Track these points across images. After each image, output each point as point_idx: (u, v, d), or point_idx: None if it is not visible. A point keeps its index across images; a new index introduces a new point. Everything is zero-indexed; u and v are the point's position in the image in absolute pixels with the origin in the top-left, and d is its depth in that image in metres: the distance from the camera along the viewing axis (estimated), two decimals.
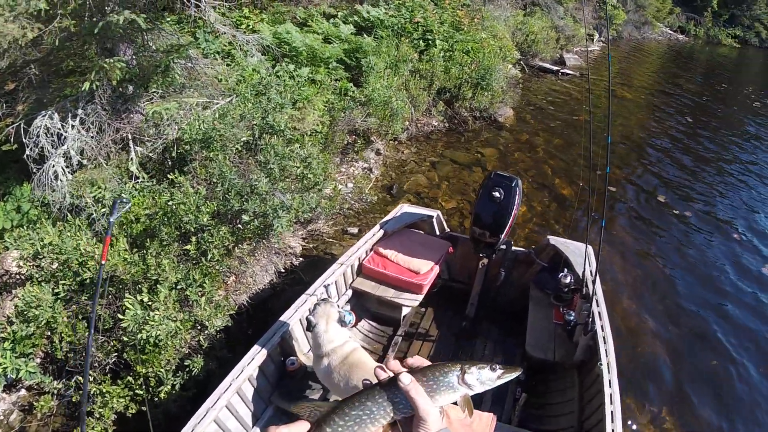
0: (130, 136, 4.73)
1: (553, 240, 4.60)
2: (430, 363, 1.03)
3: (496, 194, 3.96)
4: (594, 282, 4.05)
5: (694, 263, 6.76)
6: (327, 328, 3.08)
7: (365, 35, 8.24)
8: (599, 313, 3.89)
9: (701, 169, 9.99)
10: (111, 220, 2.73)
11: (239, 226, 4.24)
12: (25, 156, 4.18)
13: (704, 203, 8.51)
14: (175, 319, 3.51)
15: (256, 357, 3.19)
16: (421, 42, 8.75)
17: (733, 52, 31.15)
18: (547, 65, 13.33)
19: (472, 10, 10.64)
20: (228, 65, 6.04)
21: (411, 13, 8.97)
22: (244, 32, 6.68)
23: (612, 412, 3.18)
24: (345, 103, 6.71)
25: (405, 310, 4.35)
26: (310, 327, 3.16)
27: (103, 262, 2.75)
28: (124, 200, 2.83)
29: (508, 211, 4.01)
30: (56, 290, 3.60)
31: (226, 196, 4.13)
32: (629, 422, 4.52)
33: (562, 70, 13.28)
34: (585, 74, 13.55)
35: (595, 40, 18.53)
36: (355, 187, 6.45)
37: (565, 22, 15.86)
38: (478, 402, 3.88)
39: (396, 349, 4.23)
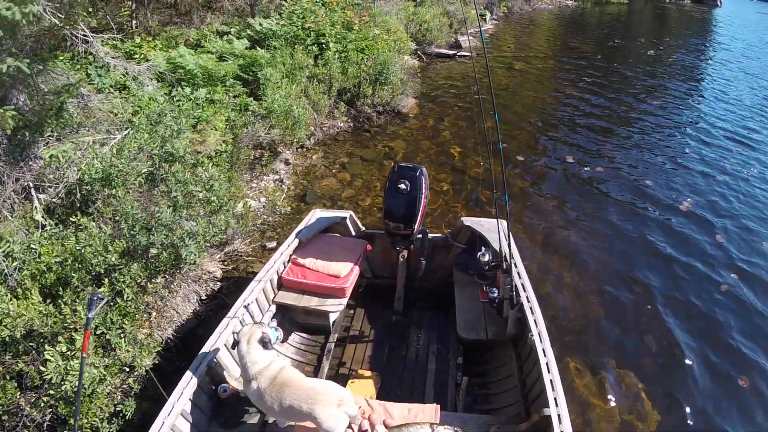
0: (31, 184, 4.53)
1: (468, 221, 4.71)
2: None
3: (402, 186, 4.05)
4: (512, 255, 4.21)
5: (607, 221, 7.30)
6: (249, 350, 3.00)
7: (259, 48, 8.23)
8: (522, 284, 4.03)
9: (606, 125, 10.79)
10: (89, 316, 2.69)
11: (150, 260, 4.19)
12: None
13: (610, 160, 9.21)
14: (97, 365, 3.46)
15: (185, 390, 3.09)
16: (314, 47, 8.83)
17: (622, 9, 33.22)
18: (444, 51, 13.75)
19: (362, 8, 10.82)
20: (124, 98, 5.89)
21: (302, 20, 9.04)
22: (138, 62, 6.54)
23: (551, 380, 3.27)
24: (246, 119, 6.69)
25: (333, 316, 4.33)
26: (235, 348, 3.11)
27: (84, 355, 2.73)
28: (100, 296, 2.79)
29: (417, 200, 4.10)
30: None
31: (131, 231, 4.06)
32: (572, 384, 4.71)
33: (458, 54, 13.73)
34: (481, 54, 14.10)
35: (487, 19, 19.22)
36: (268, 201, 6.45)
37: (456, 7, 16.35)
38: (421, 393, 3.96)
39: (330, 357, 4.21)
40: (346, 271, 4.27)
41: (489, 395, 4.02)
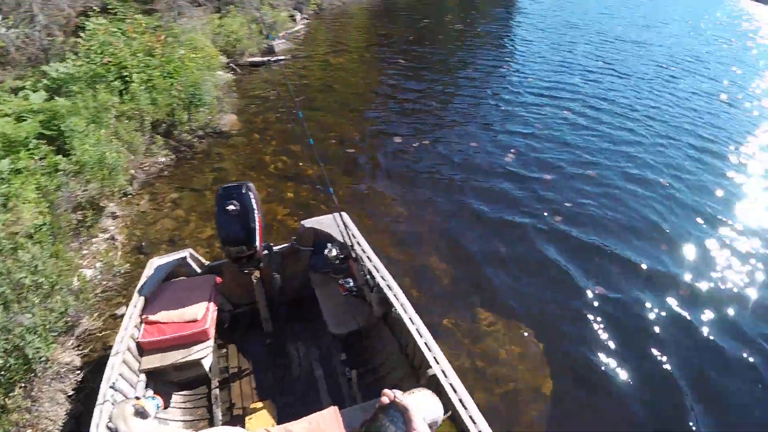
0: None
1: (308, 222, 4.76)
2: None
3: (231, 207, 3.89)
4: (358, 242, 4.37)
5: (438, 193, 7.94)
6: (131, 428, 2.79)
7: (59, 97, 7.39)
8: (374, 266, 4.19)
9: (425, 106, 11.40)
10: None
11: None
12: None
13: (433, 137, 9.84)
14: None
15: None
16: (118, 82, 8.15)
17: None
18: (257, 59, 13.49)
19: (163, 30, 10.20)
20: None
21: (100, 55, 8.30)
22: None
23: (425, 342, 3.52)
24: (59, 180, 6.02)
25: (206, 362, 4.08)
26: None
27: None
28: None
29: (250, 217, 3.96)
30: None
31: None
32: (450, 340, 5.20)
33: (273, 59, 13.58)
34: (296, 57, 14.12)
35: (298, 19, 19.19)
36: (104, 264, 5.90)
37: (263, 12, 16.12)
38: (318, 401, 4.00)
39: (219, 403, 4.05)
40: (202, 312, 4.07)
41: (381, 378, 4.17)
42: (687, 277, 6.42)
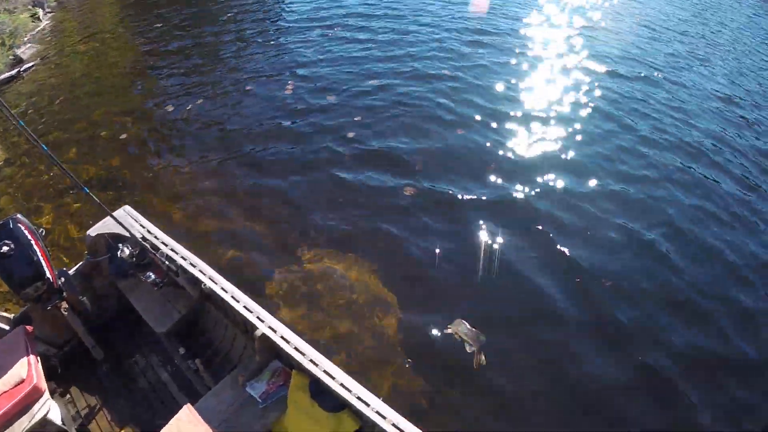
0: None
1: (93, 230, 4.45)
2: None
3: (5, 248, 3.52)
4: (149, 231, 4.23)
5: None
6: None
7: None
8: (172, 249, 4.10)
9: (192, 62, 10.99)
10: None
11: None
12: None
13: (203, 90, 9.62)
14: None
15: None
16: None
17: None
18: (6, 75, 11.93)
19: None
20: None
21: None
22: None
23: (245, 306, 3.56)
24: None
25: (54, 417, 3.84)
26: None
27: None
28: None
29: (30, 251, 3.64)
30: None
31: None
32: (285, 290, 5.40)
33: (22, 69, 12.08)
34: (48, 57, 12.68)
35: (41, 16, 17.00)
36: None
37: (1, 20, 14.06)
38: (175, 405, 3.91)
39: None
40: (25, 371, 3.67)
41: (225, 355, 4.26)
42: (481, 155, 7.34)
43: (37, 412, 3.67)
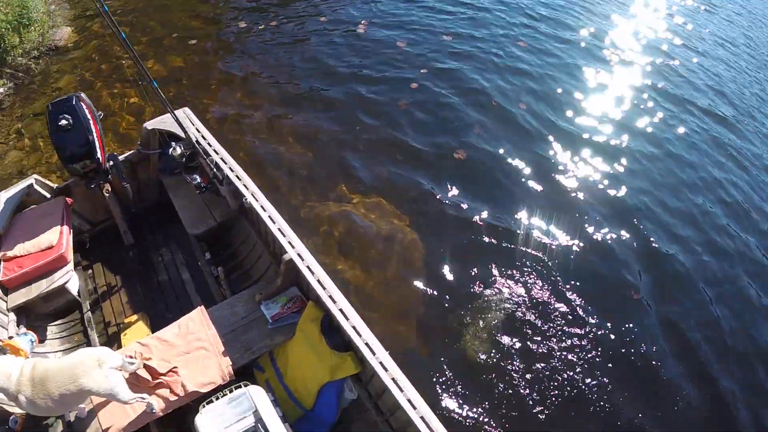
0: None
1: (150, 124, 4.50)
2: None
3: (64, 122, 3.67)
4: (203, 137, 4.25)
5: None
6: None
7: None
8: (222, 158, 4.13)
9: None
10: None
11: None
12: None
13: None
14: None
15: None
16: None
17: None
18: None
19: None
20: None
21: None
22: None
23: (279, 228, 3.59)
24: None
25: (72, 287, 4.01)
26: None
27: None
28: None
29: (87, 129, 3.75)
30: None
31: None
32: (312, 222, 5.42)
33: None
34: None
35: None
36: None
37: None
38: (189, 304, 4.09)
39: (93, 325, 4.03)
40: (56, 238, 3.91)
41: (247, 271, 4.32)
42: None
43: (57, 280, 3.86)
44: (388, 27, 9.00)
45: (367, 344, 3.03)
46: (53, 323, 4.11)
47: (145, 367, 3.15)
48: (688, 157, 7.54)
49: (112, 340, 3.94)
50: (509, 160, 6.68)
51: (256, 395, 2.89)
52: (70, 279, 3.94)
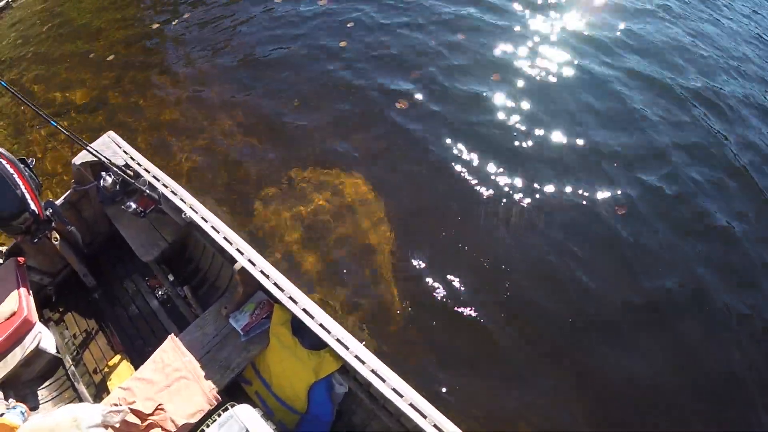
0: None
1: (77, 159, 4.29)
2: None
3: None
4: (132, 158, 4.09)
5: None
6: None
7: None
8: (154, 176, 3.98)
9: None
10: None
11: None
12: None
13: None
14: None
15: None
16: None
17: None
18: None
19: None
20: None
21: None
22: None
23: (224, 237, 3.49)
24: None
25: (48, 346, 3.88)
26: None
27: None
28: None
29: (13, 185, 3.47)
30: None
31: None
32: (256, 221, 5.26)
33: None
34: None
35: None
36: None
37: None
38: (164, 332, 3.96)
39: (79, 379, 3.94)
40: (16, 303, 3.72)
41: (213, 283, 4.24)
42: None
43: (29, 344, 3.71)
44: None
45: (338, 340, 2.93)
46: (41, 387, 3.99)
47: (132, 411, 3.07)
48: None
49: (101, 389, 3.84)
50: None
51: (243, 414, 2.81)
52: (42, 339, 3.80)
